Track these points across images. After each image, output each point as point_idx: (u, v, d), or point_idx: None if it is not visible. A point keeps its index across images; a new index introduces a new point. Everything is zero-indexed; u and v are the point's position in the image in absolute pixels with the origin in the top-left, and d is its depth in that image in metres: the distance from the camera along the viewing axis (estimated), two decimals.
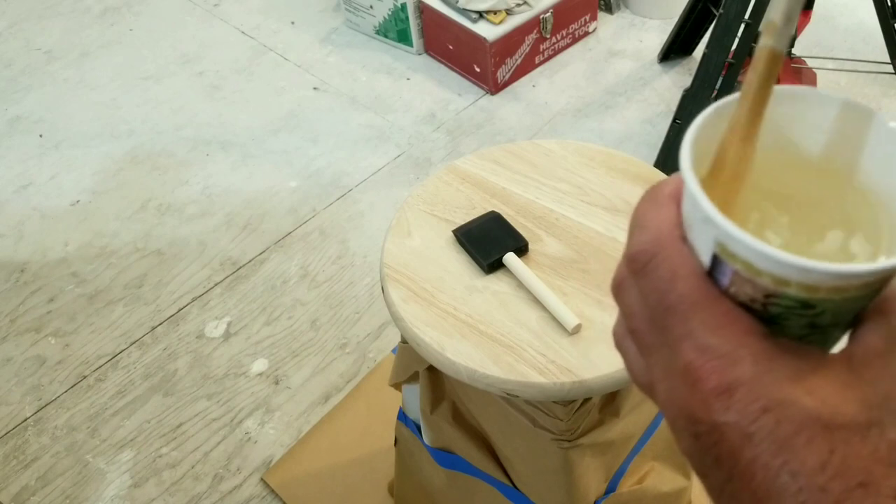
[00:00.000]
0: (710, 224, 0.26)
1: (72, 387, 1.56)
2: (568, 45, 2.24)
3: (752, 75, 0.28)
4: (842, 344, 0.29)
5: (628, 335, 0.31)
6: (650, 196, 0.30)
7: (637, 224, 0.30)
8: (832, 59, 2.06)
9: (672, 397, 0.28)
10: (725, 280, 0.27)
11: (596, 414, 0.85)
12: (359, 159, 1.97)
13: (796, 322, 0.27)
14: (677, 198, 0.30)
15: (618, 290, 0.31)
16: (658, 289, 0.28)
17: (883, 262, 0.25)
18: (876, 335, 0.27)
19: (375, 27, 2.28)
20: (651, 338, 0.29)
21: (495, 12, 2.03)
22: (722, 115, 0.30)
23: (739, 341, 0.26)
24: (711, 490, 0.28)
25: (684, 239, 0.29)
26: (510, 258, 0.85)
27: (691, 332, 0.27)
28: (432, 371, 0.90)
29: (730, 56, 1.67)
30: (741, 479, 0.26)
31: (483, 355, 0.77)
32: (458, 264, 0.86)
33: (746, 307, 0.27)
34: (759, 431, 0.25)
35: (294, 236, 1.81)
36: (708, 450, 0.26)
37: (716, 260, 0.27)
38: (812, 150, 0.31)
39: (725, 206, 0.27)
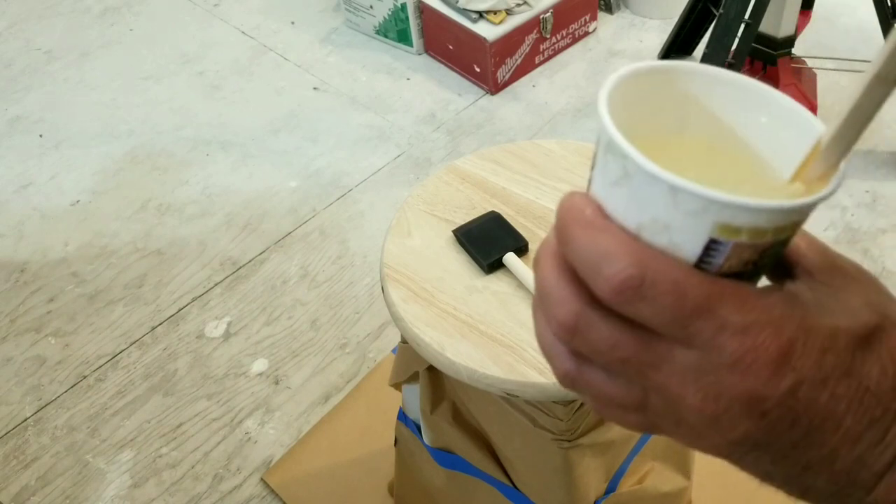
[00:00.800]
0: (710, 211, 0.26)
1: (72, 387, 1.56)
2: (568, 45, 2.24)
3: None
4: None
5: (592, 369, 0.30)
6: (579, 224, 0.28)
7: (598, 256, 0.28)
8: (832, 59, 2.06)
9: (718, 393, 0.27)
10: (720, 260, 0.27)
11: (596, 414, 0.85)
12: (359, 159, 1.97)
13: (771, 263, 0.29)
14: (605, 215, 0.29)
15: (573, 332, 0.29)
16: (667, 305, 0.27)
17: (840, 175, 0.28)
18: (811, 251, 0.31)
19: (375, 27, 2.28)
20: (650, 356, 0.28)
21: (495, 12, 2.03)
22: (639, 86, 0.30)
23: (765, 306, 0.27)
24: (771, 458, 0.28)
25: (650, 246, 0.28)
26: (510, 258, 0.85)
27: (725, 323, 0.27)
28: (432, 371, 0.90)
29: (730, 56, 1.67)
30: (824, 423, 0.27)
31: (483, 355, 0.77)
32: (458, 264, 0.86)
33: (736, 275, 0.28)
34: (830, 371, 0.27)
35: (294, 236, 1.81)
36: (780, 419, 0.27)
37: (710, 245, 0.27)
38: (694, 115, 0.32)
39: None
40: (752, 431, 0.28)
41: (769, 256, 0.28)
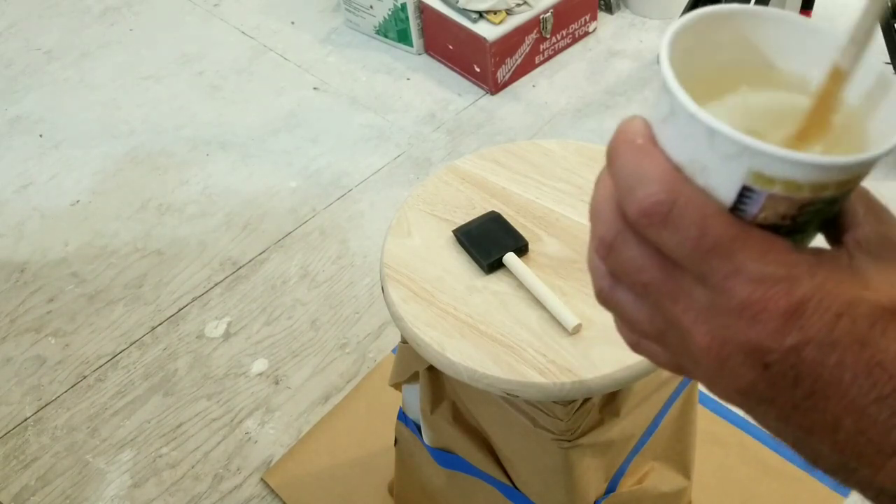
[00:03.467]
0: (743, 156, 0.26)
1: (72, 387, 1.56)
2: (568, 45, 2.24)
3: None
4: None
5: (623, 289, 0.31)
6: (629, 147, 0.29)
7: (636, 177, 0.28)
8: None
9: (724, 337, 0.27)
10: (755, 209, 0.27)
11: (596, 414, 0.85)
12: (359, 159, 1.97)
13: (815, 223, 0.29)
14: (655, 142, 0.29)
15: (609, 248, 0.30)
16: (689, 236, 0.27)
17: None
18: (868, 221, 0.29)
19: (375, 27, 2.28)
20: (671, 286, 0.29)
21: (495, 12, 2.03)
22: (703, 31, 0.30)
23: (788, 261, 0.27)
24: (776, 415, 0.28)
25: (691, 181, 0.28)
26: (510, 258, 0.85)
27: (740, 268, 0.27)
28: (432, 371, 0.90)
29: None
30: (827, 388, 0.26)
31: (483, 355, 0.77)
32: (458, 264, 0.86)
33: (774, 228, 0.28)
34: (841, 336, 0.26)
35: (294, 236, 1.81)
36: (783, 374, 0.27)
37: (744, 192, 0.27)
38: (776, 65, 0.31)
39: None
40: (756, 382, 0.28)
41: (810, 214, 0.28)
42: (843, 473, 0.28)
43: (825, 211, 0.28)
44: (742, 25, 0.31)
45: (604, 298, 0.32)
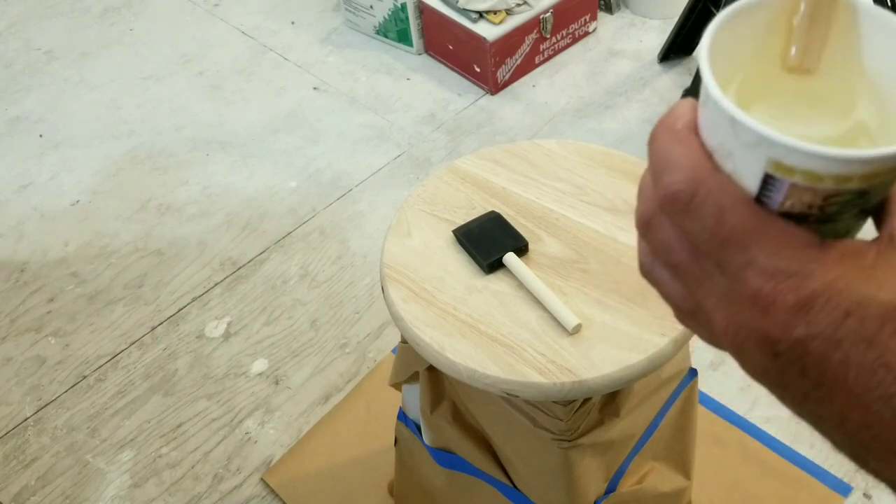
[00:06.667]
0: (762, 146, 0.27)
1: (72, 387, 1.56)
2: (568, 45, 2.24)
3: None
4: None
5: (660, 266, 0.32)
6: (666, 132, 0.30)
7: (665, 163, 0.29)
8: None
9: (739, 323, 0.28)
10: (779, 197, 0.28)
11: (596, 414, 0.85)
12: (359, 159, 1.97)
13: (849, 213, 0.29)
14: (694, 129, 0.30)
15: (646, 227, 0.31)
16: (707, 226, 0.28)
17: None
18: None
19: (375, 27, 2.28)
20: (697, 270, 0.30)
21: (495, 12, 2.03)
22: (741, 24, 0.30)
23: (803, 256, 0.27)
24: (791, 400, 0.29)
25: (718, 168, 0.29)
26: (510, 258, 0.85)
27: (753, 260, 0.27)
28: (432, 371, 0.90)
29: None
30: (832, 382, 0.27)
31: (483, 355, 0.77)
32: (458, 264, 0.86)
33: (801, 216, 0.28)
34: (847, 335, 0.26)
35: (294, 236, 1.81)
36: (791, 364, 0.27)
37: (767, 180, 0.27)
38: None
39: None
40: (768, 369, 0.28)
41: (839, 205, 0.28)
42: (857, 462, 0.29)
43: (857, 202, 0.28)
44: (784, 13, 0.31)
45: (645, 272, 0.34)
